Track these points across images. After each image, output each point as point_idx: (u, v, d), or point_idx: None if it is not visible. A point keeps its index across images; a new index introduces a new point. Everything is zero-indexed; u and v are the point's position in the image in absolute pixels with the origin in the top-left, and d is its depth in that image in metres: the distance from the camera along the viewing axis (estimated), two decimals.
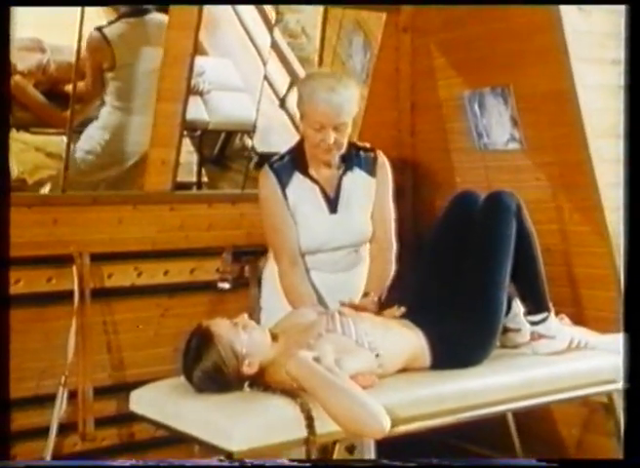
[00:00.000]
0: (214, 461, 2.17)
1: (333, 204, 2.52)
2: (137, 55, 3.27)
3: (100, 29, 3.19)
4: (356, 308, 2.39)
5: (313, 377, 2.00)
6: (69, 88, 3.19)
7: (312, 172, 2.52)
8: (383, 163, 2.60)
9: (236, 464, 1.94)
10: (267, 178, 2.53)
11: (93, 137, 3.28)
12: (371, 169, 2.57)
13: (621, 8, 2.80)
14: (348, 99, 2.39)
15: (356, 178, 2.55)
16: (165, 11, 3.22)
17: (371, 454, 2.55)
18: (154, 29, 3.27)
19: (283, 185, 2.50)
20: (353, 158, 2.55)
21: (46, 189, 3.25)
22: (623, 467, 2.05)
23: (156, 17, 3.28)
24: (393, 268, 2.59)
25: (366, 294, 2.51)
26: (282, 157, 2.56)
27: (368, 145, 2.63)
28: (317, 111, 2.38)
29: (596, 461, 2.47)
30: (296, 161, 2.53)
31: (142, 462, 2.19)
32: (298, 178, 2.51)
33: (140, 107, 3.27)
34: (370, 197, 2.56)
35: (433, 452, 2.99)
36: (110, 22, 3.23)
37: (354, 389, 1.98)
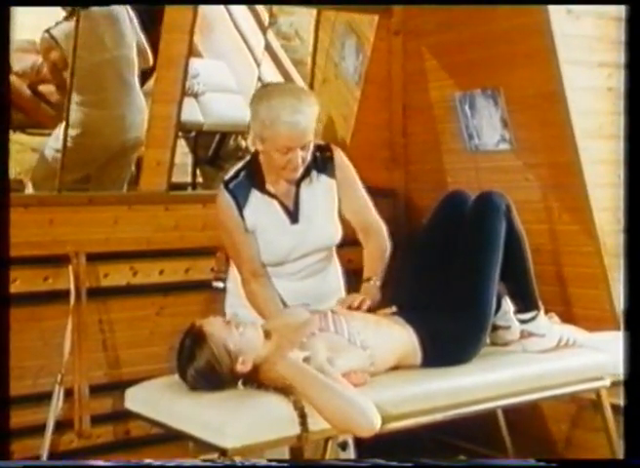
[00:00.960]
0: (197, 461, 2.17)
1: (293, 215, 2.42)
2: (87, 48, 3.19)
3: (47, 31, 3.14)
4: (357, 300, 2.35)
5: (303, 378, 2.00)
6: (49, 88, 3.20)
7: (269, 187, 2.41)
8: (341, 160, 2.47)
9: (227, 463, 1.94)
10: (223, 201, 2.40)
11: (60, 136, 3.23)
12: (329, 170, 2.44)
13: (610, 11, 2.83)
14: (313, 117, 2.26)
15: (315, 184, 2.43)
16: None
17: (350, 452, 2.57)
18: (102, 19, 3.24)
19: (240, 207, 2.39)
20: (310, 162, 2.40)
21: (29, 188, 3.26)
22: (623, 467, 2.03)
23: (103, 7, 3.22)
24: (388, 247, 2.47)
25: (368, 280, 2.43)
26: (237, 174, 2.41)
27: (323, 143, 2.51)
28: (283, 136, 2.25)
29: (597, 461, 2.46)
30: (252, 177, 2.40)
31: (135, 462, 2.19)
32: (255, 196, 2.40)
33: (106, 100, 3.27)
34: (332, 199, 2.46)
35: (424, 449, 3.01)
36: (58, 23, 3.18)
37: (344, 388, 1.99)
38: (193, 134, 3.90)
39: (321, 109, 2.43)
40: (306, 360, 2.06)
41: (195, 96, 3.77)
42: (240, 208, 2.39)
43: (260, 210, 2.41)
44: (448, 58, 3.31)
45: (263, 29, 3.84)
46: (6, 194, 2.19)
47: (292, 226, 2.43)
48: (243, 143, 3.90)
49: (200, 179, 3.96)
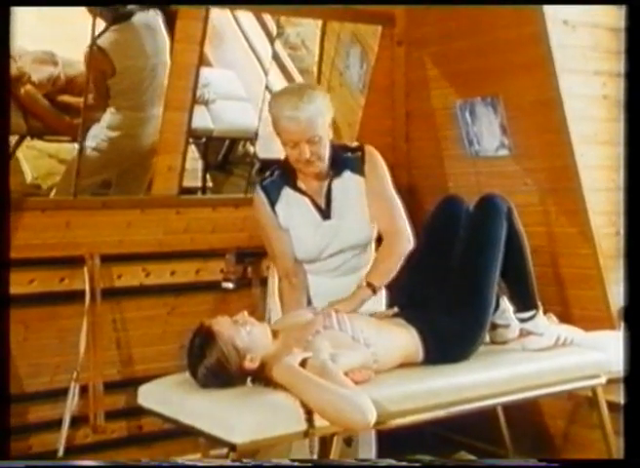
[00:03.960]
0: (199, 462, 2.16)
1: (325, 211, 2.45)
2: (132, 56, 3.27)
3: (94, 43, 3.16)
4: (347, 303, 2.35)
5: (296, 381, 2.00)
6: (74, 98, 3.22)
7: (301, 184, 2.46)
8: (372, 159, 2.49)
9: (237, 464, 1.93)
10: (258, 197, 2.48)
11: (98, 136, 3.29)
12: (359, 168, 2.47)
13: (605, 22, 2.83)
14: (314, 113, 2.30)
15: (346, 182, 2.47)
16: (150, 8, 3.23)
17: (372, 449, 2.57)
18: (142, 28, 3.28)
19: (272, 202, 2.45)
20: (340, 162, 2.46)
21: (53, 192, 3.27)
22: (623, 467, 2.03)
23: (141, 17, 3.28)
24: (400, 254, 2.43)
25: (369, 286, 2.40)
26: (272, 172, 2.49)
27: (356, 145, 2.55)
28: (286, 130, 2.32)
29: (597, 461, 2.45)
30: (284, 175, 2.46)
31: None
32: (287, 193, 2.46)
33: (144, 103, 3.29)
34: (364, 197, 2.48)
35: (426, 444, 3.01)
36: (101, 33, 3.20)
37: (338, 385, 1.97)
38: (204, 140, 3.90)
39: (331, 102, 2.43)
40: (305, 361, 2.05)
41: (206, 103, 3.77)
42: (272, 204, 2.45)
43: (292, 206, 2.46)
44: (449, 67, 3.31)
45: (271, 39, 3.83)
46: (6, 198, 2.18)
47: (323, 222, 2.45)
48: (251, 149, 3.90)
49: (210, 184, 3.96)
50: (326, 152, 2.39)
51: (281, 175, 2.47)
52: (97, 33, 3.02)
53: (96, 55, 3.13)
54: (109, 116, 3.29)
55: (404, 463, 1.99)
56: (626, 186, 2.24)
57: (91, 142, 3.28)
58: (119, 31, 3.22)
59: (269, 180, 2.48)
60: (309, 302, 2.49)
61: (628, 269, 2.14)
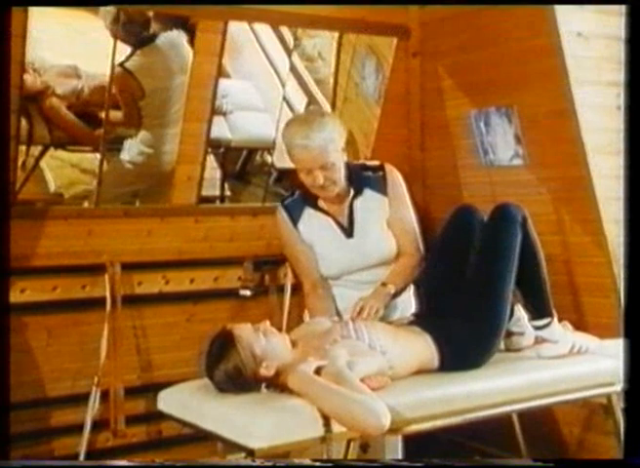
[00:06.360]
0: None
1: (348, 230, 2.49)
2: (160, 78, 3.33)
3: (121, 65, 3.24)
4: (370, 299, 2.39)
5: (310, 388, 2.00)
6: (99, 110, 3.27)
7: (322, 204, 2.49)
8: (393, 179, 2.55)
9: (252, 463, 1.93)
10: (279, 216, 2.53)
11: (132, 150, 3.37)
12: (381, 188, 2.52)
13: (618, 33, 2.81)
14: (325, 141, 2.34)
15: (368, 200, 2.50)
16: (173, 27, 3.29)
17: (397, 454, 2.56)
18: (167, 49, 3.34)
19: (294, 221, 2.50)
20: (362, 180, 2.50)
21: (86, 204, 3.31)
22: (623, 467, 2.01)
23: (165, 37, 3.34)
24: (415, 271, 2.52)
25: (384, 285, 2.47)
26: (293, 193, 2.55)
27: (376, 163, 2.58)
28: (298, 159, 2.37)
29: (596, 461, 2.43)
30: (305, 196, 2.50)
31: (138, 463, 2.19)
32: (308, 213, 2.50)
33: (174, 120, 3.33)
34: (386, 215, 2.51)
35: (441, 451, 2.99)
36: (128, 57, 3.28)
37: (353, 391, 1.97)
38: (222, 150, 3.92)
39: (343, 127, 2.46)
40: (320, 368, 2.06)
41: (224, 114, 3.79)
42: (294, 222, 2.49)
43: (314, 225, 2.49)
44: (464, 78, 3.31)
45: (288, 51, 3.85)
46: (7, 207, 2.20)
47: (347, 240, 2.48)
48: (269, 159, 3.92)
49: (228, 193, 3.98)
50: (340, 176, 2.42)
51: (302, 195, 2.51)
52: (117, 52, 3.04)
53: (125, 78, 3.20)
54: (143, 133, 3.36)
55: (405, 463, 1.99)
56: (626, 196, 2.22)
57: (125, 155, 3.36)
58: (145, 55, 3.30)
59: (290, 200, 2.52)
60: (338, 314, 2.50)
61: (629, 276, 2.12)
